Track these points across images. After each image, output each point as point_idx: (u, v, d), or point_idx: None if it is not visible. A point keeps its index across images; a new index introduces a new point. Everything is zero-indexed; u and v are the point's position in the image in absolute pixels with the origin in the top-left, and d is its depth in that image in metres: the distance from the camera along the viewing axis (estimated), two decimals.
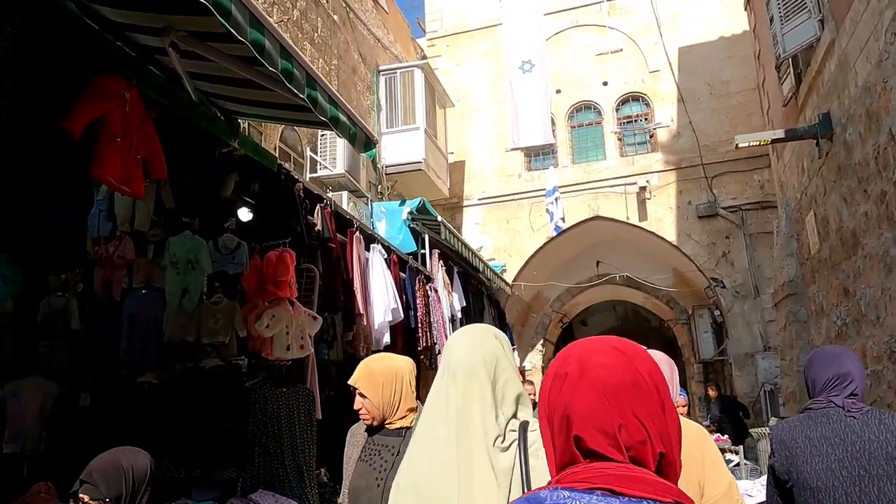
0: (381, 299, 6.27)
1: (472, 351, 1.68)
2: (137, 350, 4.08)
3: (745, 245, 12.09)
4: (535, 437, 1.53)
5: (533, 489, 0.99)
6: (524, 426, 1.57)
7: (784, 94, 7.39)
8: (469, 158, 14.30)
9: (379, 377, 2.32)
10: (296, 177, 5.05)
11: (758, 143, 7.21)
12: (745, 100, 12.59)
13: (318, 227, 5.22)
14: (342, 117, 3.83)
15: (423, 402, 1.82)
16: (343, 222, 6.03)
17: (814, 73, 6.36)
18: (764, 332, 11.60)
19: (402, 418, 2.31)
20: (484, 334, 1.75)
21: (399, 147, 11.48)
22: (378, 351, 6.43)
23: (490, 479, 1.50)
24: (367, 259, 6.42)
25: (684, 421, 1.69)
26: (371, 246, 6.51)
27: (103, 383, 4.10)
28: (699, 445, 1.96)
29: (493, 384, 1.62)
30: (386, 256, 6.75)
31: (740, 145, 7.23)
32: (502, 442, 1.54)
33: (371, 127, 11.39)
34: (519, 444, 1.54)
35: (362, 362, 2.47)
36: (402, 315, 6.67)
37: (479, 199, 13.98)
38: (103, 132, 2.97)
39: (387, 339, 6.33)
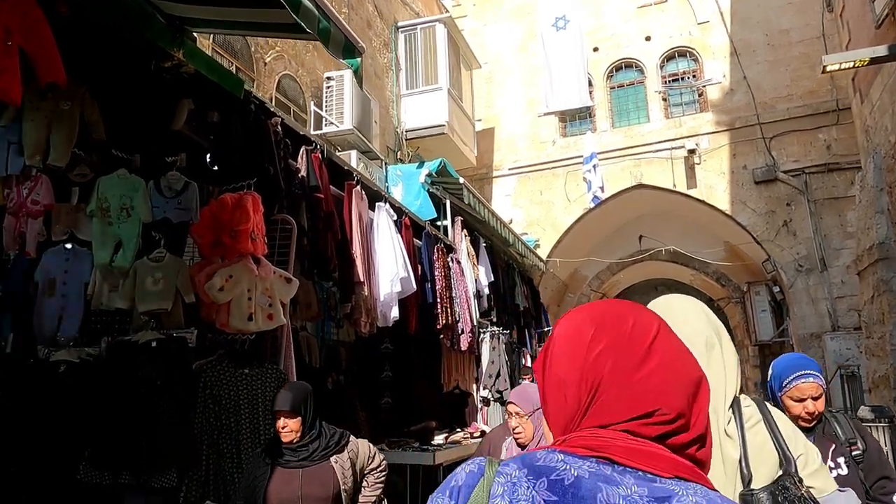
0: (387, 266, 5.28)
1: (702, 316, 1.49)
2: (52, 321, 3.17)
3: (809, 213, 10.75)
4: (749, 412, 1.44)
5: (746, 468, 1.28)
6: (736, 402, 1.45)
7: (877, 15, 6.11)
8: (498, 125, 13.19)
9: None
10: (271, 109, 4.07)
11: (851, 64, 5.92)
12: (808, 50, 11.20)
13: (303, 172, 4.24)
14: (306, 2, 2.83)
15: None
16: (340, 175, 5.05)
17: None
18: (833, 310, 10.30)
19: None
20: (692, 299, 1.57)
21: (420, 109, 10.46)
22: (385, 327, 5.46)
23: (719, 472, 1.36)
24: (373, 221, 5.44)
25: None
26: (377, 205, 5.52)
27: (3, 363, 3.20)
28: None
29: (724, 357, 1.44)
30: (396, 218, 5.76)
31: (829, 68, 6.00)
32: (727, 424, 1.42)
33: (389, 89, 10.38)
34: (736, 423, 1.43)
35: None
36: (415, 287, 5.67)
37: (509, 169, 12.87)
38: None
39: (395, 313, 5.35)
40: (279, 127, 3.99)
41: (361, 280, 4.79)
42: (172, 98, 3.52)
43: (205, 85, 3.48)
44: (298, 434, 2.73)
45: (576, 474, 0.78)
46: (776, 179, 11.05)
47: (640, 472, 0.78)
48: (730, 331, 10.10)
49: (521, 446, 2.78)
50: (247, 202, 3.25)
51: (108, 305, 3.20)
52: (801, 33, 11.31)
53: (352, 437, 3.03)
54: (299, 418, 2.73)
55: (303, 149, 4.32)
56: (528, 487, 0.79)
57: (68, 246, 3.35)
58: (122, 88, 3.38)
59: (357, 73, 7.47)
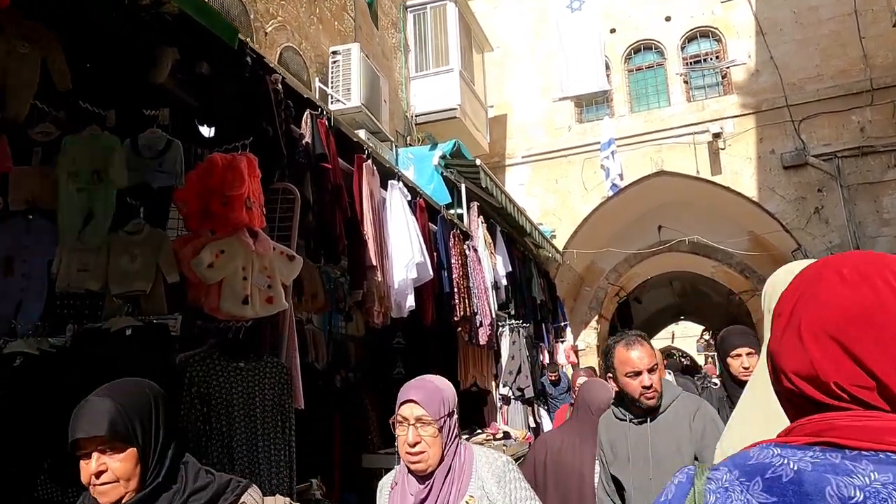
0: (402, 250, 4.75)
1: None
2: (9, 305, 2.65)
3: (842, 199, 10.17)
4: None
5: None
6: None
7: None
8: (511, 112, 12.63)
9: None
10: (270, 65, 3.54)
11: None
12: (839, 27, 10.61)
13: (308, 139, 3.71)
14: None
15: None
16: (348, 148, 4.52)
17: None
18: None
19: None
20: None
21: (431, 92, 9.93)
22: (398, 320, 4.93)
23: None
24: (385, 200, 4.91)
25: None
26: (389, 183, 4.99)
27: None
28: None
29: None
30: (410, 199, 5.23)
31: None
32: None
33: (397, 71, 9.85)
34: None
35: None
36: (432, 274, 5.14)
37: (523, 157, 12.31)
38: None
39: (411, 302, 4.82)
40: (280, 85, 3.46)
41: (374, 264, 4.26)
42: (154, 45, 2.99)
43: (192, 30, 2.95)
44: (132, 486, 1.41)
45: (795, 468, 0.69)
46: (806, 164, 10.46)
47: (879, 455, 0.66)
48: (753, 325, 9.44)
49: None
50: (240, 163, 2.72)
51: (77, 287, 2.68)
52: (832, 10, 10.71)
53: (250, 495, 1.54)
54: (129, 452, 1.42)
55: (307, 113, 3.79)
56: (742, 491, 0.70)
57: (29, 217, 2.83)
58: (92, 29, 2.85)
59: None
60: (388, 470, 5.24)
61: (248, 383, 2.70)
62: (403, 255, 4.76)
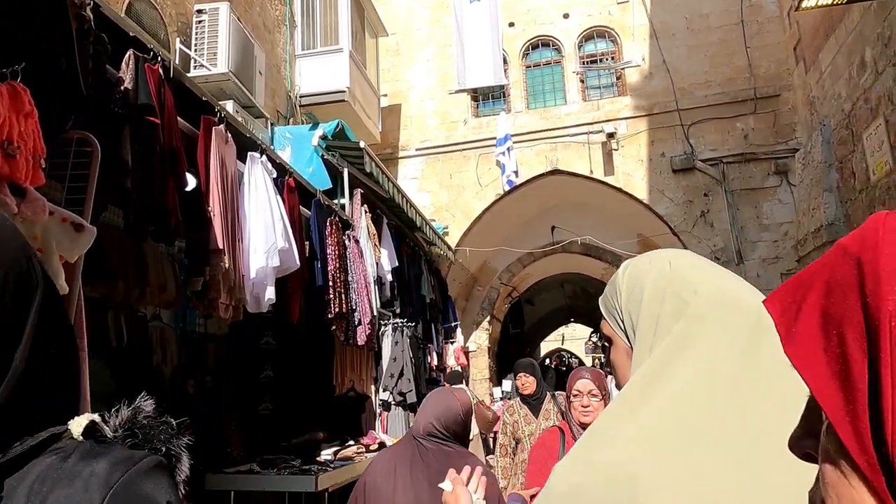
0: (261, 234, 4.04)
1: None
2: None
3: (726, 203, 10.35)
4: None
5: None
6: None
7: None
8: (406, 102, 12.07)
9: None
10: None
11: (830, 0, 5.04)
12: (727, 36, 10.83)
13: (128, 84, 2.95)
14: None
15: None
16: (195, 108, 3.76)
17: None
18: None
19: None
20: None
21: (317, 73, 9.18)
22: (259, 313, 4.22)
23: None
24: (243, 175, 4.19)
25: None
26: (250, 155, 4.27)
27: None
28: None
29: None
30: (276, 176, 4.52)
31: (804, 4, 5.21)
32: None
33: (281, 46, 9.03)
34: None
35: None
36: (298, 263, 4.45)
37: (416, 150, 11.78)
38: None
39: (271, 295, 4.11)
40: (88, 12, 2.69)
41: (220, 247, 3.53)
42: None
43: None
44: None
45: None
46: (694, 168, 10.59)
47: None
48: None
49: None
50: None
51: None
52: (721, 18, 10.92)
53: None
54: None
55: (130, 52, 3.02)
56: None
57: None
58: None
59: None
60: (242, 493, 4.42)
61: None
62: (263, 240, 4.05)
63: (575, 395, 2.73)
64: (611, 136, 10.69)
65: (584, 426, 2.59)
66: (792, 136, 10.16)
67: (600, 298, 1.04)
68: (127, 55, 3.00)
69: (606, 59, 11.61)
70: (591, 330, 24.47)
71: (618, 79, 11.49)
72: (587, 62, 11.69)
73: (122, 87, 2.91)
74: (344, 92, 8.95)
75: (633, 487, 0.72)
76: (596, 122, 11.01)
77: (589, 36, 11.73)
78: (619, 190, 10.86)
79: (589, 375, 2.79)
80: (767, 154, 10.29)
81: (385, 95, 11.75)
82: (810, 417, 0.42)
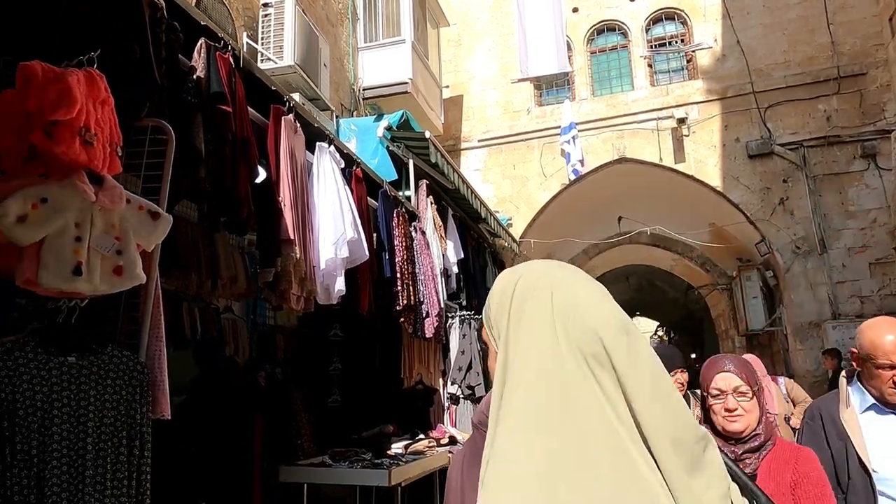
0: (331, 224, 3.99)
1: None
2: None
3: (807, 190, 9.79)
4: None
5: None
6: None
7: None
8: (468, 93, 11.93)
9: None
10: None
11: None
12: (807, 13, 10.23)
13: (200, 72, 2.92)
14: None
15: None
16: (265, 98, 3.73)
17: None
18: (834, 296, 9.36)
19: None
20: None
21: (380, 65, 9.14)
22: (326, 305, 4.17)
23: None
24: (312, 166, 4.15)
25: None
26: (318, 146, 4.22)
27: None
28: None
29: None
30: (344, 166, 4.47)
31: None
32: None
33: (344, 40, 9.03)
34: None
35: None
36: (368, 255, 4.39)
37: (479, 141, 11.63)
38: None
39: (341, 286, 4.06)
40: (162, 3, 2.66)
41: (292, 237, 3.49)
42: None
43: None
44: None
45: None
46: (772, 153, 10.06)
47: None
48: (711, 320, 8.99)
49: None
50: (69, 78, 1.92)
51: None
52: None
53: None
54: None
55: (202, 41, 3.00)
56: None
57: None
58: None
59: None
60: (313, 486, 4.40)
61: (78, 386, 1.91)
62: (333, 230, 4.00)
63: (714, 395, 2.03)
64: (681, 121, 10.26)
65: (731, 437, 1.98)
66: (881, 117, 9.52)
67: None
68: (199, 43, 2.98)
69: (676, 42, 11.16)
70: (657, 324, 23.82)
71: (688, 62, 11.03)
72: (655, 46, 11.26)
73: (194, 76, 2.88)
74: (406, 83, 8.88)
75: None
76: (665, 108, 10.61)
77: (657, 18, 11.29)
78: (691, 177, 10.43)
79: (732, 366, 2.03)
80: (853, 136, 9.67)
81: (447, 87, 11.64)
82: None
